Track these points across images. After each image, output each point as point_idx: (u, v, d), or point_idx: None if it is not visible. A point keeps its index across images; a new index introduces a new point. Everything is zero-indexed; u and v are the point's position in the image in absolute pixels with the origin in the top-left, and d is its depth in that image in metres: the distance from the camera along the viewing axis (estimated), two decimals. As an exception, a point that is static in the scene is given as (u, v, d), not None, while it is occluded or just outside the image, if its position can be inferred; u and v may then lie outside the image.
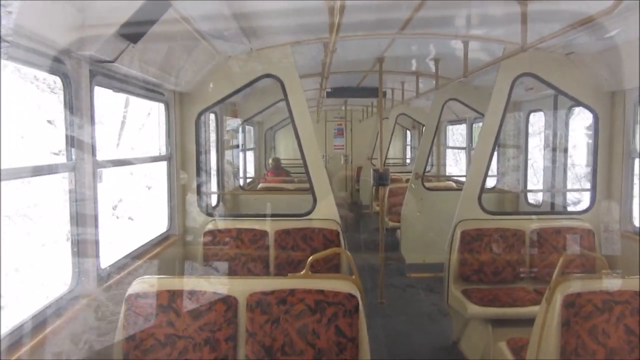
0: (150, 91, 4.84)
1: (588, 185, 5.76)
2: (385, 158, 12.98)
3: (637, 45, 4.51)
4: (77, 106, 3.41)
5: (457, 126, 12.31)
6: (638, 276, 3.41)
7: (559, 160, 6.99)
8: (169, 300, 3.24)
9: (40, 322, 2.98)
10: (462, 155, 12.60)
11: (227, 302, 3.27)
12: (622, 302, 3.22)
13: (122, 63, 3.71)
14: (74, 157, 3.38)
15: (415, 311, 6.73)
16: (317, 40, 5.50)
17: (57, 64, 3.23)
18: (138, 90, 4.60)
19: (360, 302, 3.31)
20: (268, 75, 5.43)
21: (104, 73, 3.78)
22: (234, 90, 5.47)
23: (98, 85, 3.72)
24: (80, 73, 3.41)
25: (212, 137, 7.79)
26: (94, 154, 3.54)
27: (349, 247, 5.45)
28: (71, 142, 3.39)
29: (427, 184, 8.74)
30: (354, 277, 3.43)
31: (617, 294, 3.24)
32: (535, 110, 7.71)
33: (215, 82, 5.46)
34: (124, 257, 4.17)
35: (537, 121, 8.11)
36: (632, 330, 3.19)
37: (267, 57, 5.45)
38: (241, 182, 10.26)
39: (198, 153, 5.56)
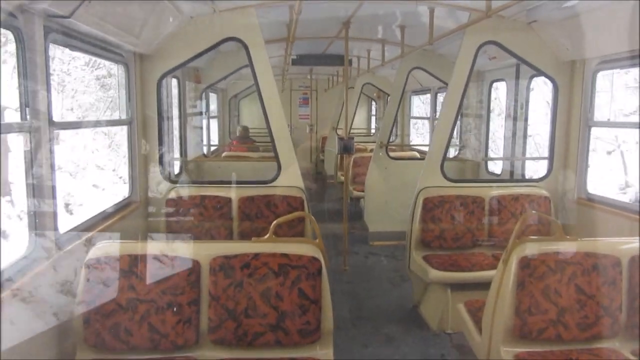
0: (108, 51, 4.66)
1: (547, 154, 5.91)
2: (350, 127, 12.99)
3: (597, 14, 4.60)
4: (31, 63, 3.25)
5: (424, 96, 12.37)
6: (589, 239, 3.57)
7: (519, 130, 7.14)
8: (130, 264, 3.20)
9: None
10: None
11: (190, 266, 3.25)
12: (573, 263, 3.36)
13: (79, 19, 3.56)
14: (28, 116, 3.25)
15: (377, 277, 6.85)
16: (282, 3, 5.39)
17: (9, 17, 3.07)
18: (96, 50, 4.42)
19: (323, 265, 3.34)
20: (232, 39, 5.28)
21: (60, 30, 3.61)
22: (197, 53, 5.31)
23: (54, 43, 3.56)
24: (33, 28, 3.24)
25: (175, 102, 7.59)
26: (49, 114, 3.40)
27: (313, 216, 5.46)
28: (25, 101, 3.24)
29: (391, 154, 8.79)
30: (317, 240, 3.45)
31: (569, 256, 3.38)
32: (497, 80, 7.81)
33: (177, 44, 5.28)
34: (83, 223, 4.07)
35: (500, 90, 8.23)
36: (582, 289, 3.34)
37: (231, 19, 5.28)
38: (205, 150, 10.10)
39: (160, 118, 5.42)
